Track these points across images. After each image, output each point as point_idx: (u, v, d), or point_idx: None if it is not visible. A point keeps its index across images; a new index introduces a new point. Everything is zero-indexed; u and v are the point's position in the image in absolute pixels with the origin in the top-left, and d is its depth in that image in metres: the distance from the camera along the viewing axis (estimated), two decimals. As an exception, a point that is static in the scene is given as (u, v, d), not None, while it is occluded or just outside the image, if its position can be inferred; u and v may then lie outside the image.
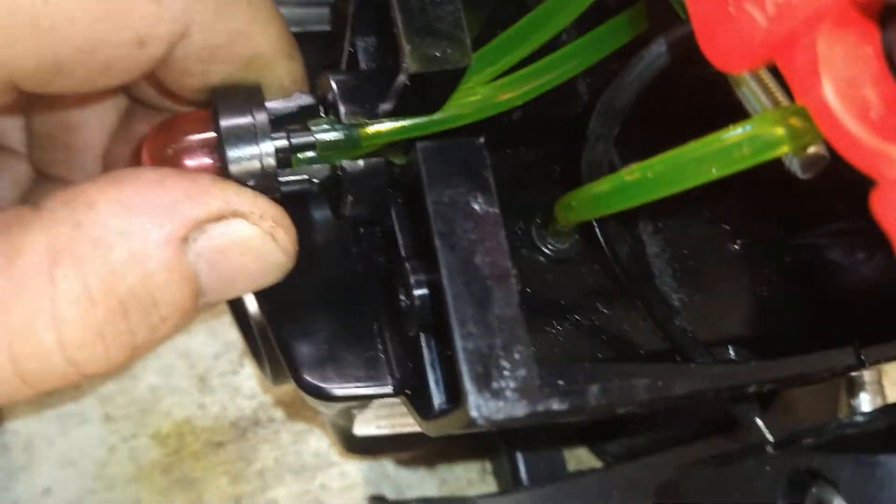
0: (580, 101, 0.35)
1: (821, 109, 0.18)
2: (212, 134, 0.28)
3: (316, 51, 0.32)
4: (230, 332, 0.50)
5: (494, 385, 0.25)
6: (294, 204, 0.30)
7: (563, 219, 0.30)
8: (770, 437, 0.32)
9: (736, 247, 0.37)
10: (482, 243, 0.26)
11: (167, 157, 0.27)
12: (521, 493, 0.42)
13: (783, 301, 0.36)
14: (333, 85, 0.29)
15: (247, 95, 0.28)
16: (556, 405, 0.25)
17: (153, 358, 0.49)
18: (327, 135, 0.28)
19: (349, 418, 0.38)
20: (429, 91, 0.27)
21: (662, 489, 0.36)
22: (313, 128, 0.28)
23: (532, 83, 0.28)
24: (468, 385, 0.25)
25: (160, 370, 0.49)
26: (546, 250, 0.34)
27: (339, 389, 0.32)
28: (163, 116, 0.32)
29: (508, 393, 0.25)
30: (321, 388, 0.32)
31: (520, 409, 0.25)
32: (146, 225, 0.24)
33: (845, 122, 0.17)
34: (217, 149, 0.27)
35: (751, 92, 0.23)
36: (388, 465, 0.49)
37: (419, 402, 0.30)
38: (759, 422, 0.33)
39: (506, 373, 0.25)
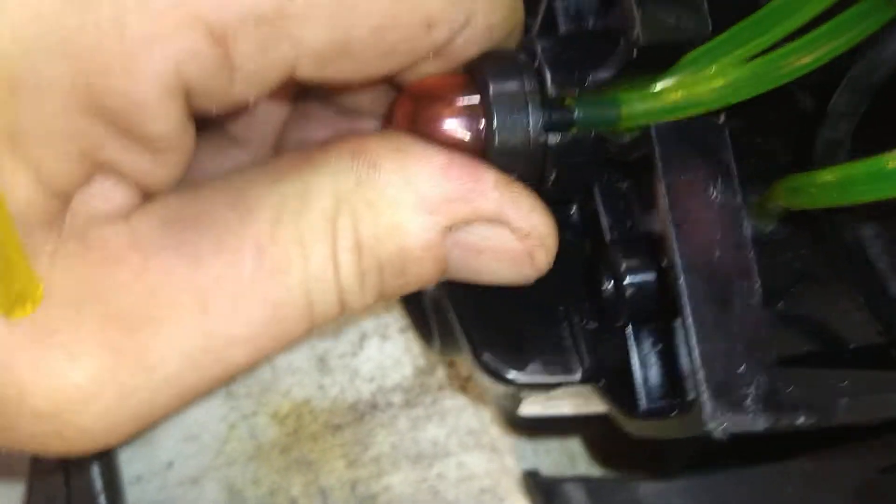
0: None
1: None
2: (475, 98, 0.26)
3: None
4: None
5: (733, 394, 0.23)
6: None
7: (787, 202, 0.28)
8: None
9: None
10: (722, 236, 0.24)
11: (424, 121, 0.26)
12: (687, 479, 0.41)
13: None
14: (540, 51, 0.27)
15: (513, 61, 0.27)
16: (801, 419, 0.23)
17: (274, 336, 0.48)
18: (588, 113, 0.27)
19: (516, 399, 0.37)
20: (658, 60, 0.26)
21: (863, 491, 0.34)
22: (574, 104, 0.27)
23: (798, 61, 0.26)
24: (705, 391, 0.23)
25: (280, 349, 0.48)
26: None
27: (523, 376, 0.31)
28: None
29: (749, 403, 0.23)
30: (504, 373, 0.31)
31: (761, 422, 0.23)
32: (417, 206, 0.25)
33: None
34: (480, 115, 0.26)
35: None
36: (507, 458, 0.48)
37: (619, 396, 0.29)
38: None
39: (747, 380, 0.23)
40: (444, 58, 0.26)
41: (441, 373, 0.49)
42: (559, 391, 0.37)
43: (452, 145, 0.27)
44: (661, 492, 0.42)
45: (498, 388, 0.35)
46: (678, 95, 0.28)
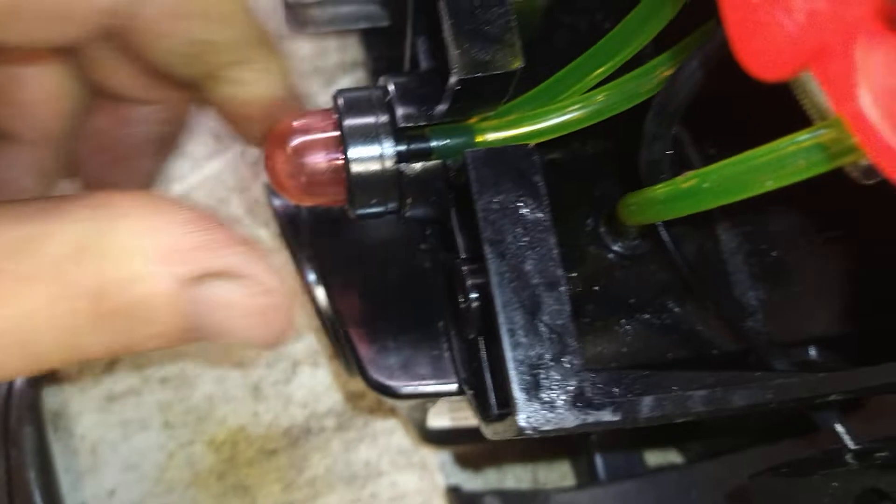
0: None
1: (858, 120, 0.18)
2: (335, 133, 0.29)
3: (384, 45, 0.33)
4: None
5: (544, 395, 0.25)
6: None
7: (625, 219, 0.31)
8: (851, 445, 0.32)
9: (820, 240, 0.36)
10: (532, 250, 0.26)
11: (292, 153, 0.29)
12: (597, 488, 0.42)
13: (872, 298, 0.35)
14: (391, 87, 0.30)
15: (367, 97, 0.29)
16: (607, 417, 0.25)
17: (209, 368, 0.51)
18: (444, 142, 0.29)
19: (423, 411, 0.39)
20: (481, 93, 0.28)
21: (734, 496, 0.35)
22: (430, 135, 0.29)
23: (626, 92, 0.29)
24: (517, 394, 0.25)
25: (216, 379, 0.51)
26: (615, 247, 0.34)
27: (406, 387, 0.33)
28: (130, 108, 0.33)
29: (559, 403, 0.25)
30: (388, 385, 0.33)
31: (570, 421, 0.25)
32: (160, 256, 0.25)
33: (883, 133, 0.17)
34: (340, 147, 0.29)
35: (808, 99, 0.23)
36: (437, 476, 0.50)
37: (481, 403, 0.31)
38: (840, 428, 0.33)
39: (556, 383, 0.25)
40: (142, 28, 0.27)
41: (371, 396, 0.51)
42: (456, 403, 0.39)
43: (318, 176, 0.30)
44: (572, 500, 0.44)
45: (400, 401, 0.37)
46: (533, 122, 0.30)
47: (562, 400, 0.25)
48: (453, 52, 0.27)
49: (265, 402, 0.50)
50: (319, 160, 0.30)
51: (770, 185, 0.23)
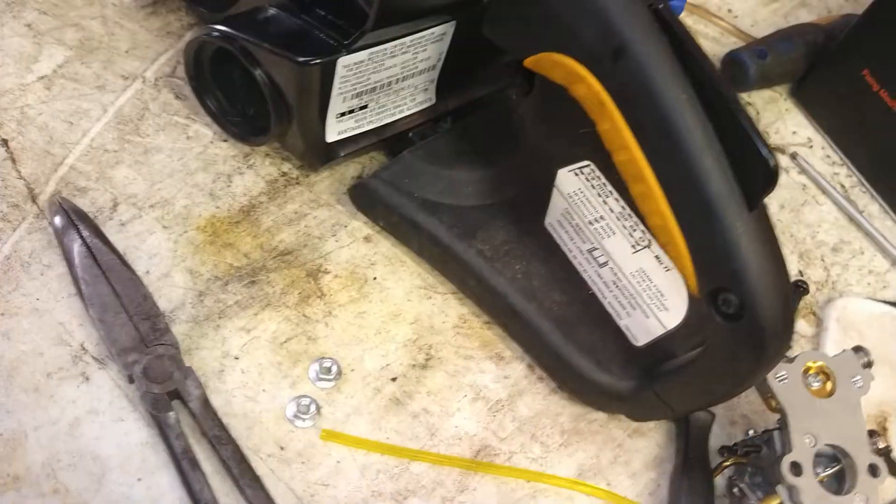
0: None
1: None
2: None
3: None
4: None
5: None
6: None
7: None
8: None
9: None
10: None
11: None
12: (442, 134, 0.77)
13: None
14: None
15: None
16: None
17: (183, 197, 0.78)
18: None
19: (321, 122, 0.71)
20: None
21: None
22: None
23: None
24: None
25: (186, 195, 0.78)
26: None
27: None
28: None
29: None
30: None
31: None
32: None
33: None
34: None
35: None
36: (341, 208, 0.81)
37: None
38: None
39: None
40: None
41: (296, 173, 0.81)
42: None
43: None
44: (430, 147, 0.77)
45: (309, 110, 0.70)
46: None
47: None
48: None
49: (220, 200, 0.79)
50: None
51: None
